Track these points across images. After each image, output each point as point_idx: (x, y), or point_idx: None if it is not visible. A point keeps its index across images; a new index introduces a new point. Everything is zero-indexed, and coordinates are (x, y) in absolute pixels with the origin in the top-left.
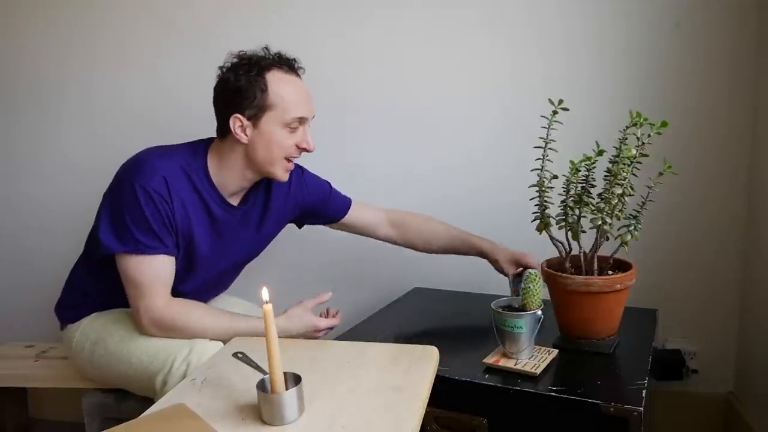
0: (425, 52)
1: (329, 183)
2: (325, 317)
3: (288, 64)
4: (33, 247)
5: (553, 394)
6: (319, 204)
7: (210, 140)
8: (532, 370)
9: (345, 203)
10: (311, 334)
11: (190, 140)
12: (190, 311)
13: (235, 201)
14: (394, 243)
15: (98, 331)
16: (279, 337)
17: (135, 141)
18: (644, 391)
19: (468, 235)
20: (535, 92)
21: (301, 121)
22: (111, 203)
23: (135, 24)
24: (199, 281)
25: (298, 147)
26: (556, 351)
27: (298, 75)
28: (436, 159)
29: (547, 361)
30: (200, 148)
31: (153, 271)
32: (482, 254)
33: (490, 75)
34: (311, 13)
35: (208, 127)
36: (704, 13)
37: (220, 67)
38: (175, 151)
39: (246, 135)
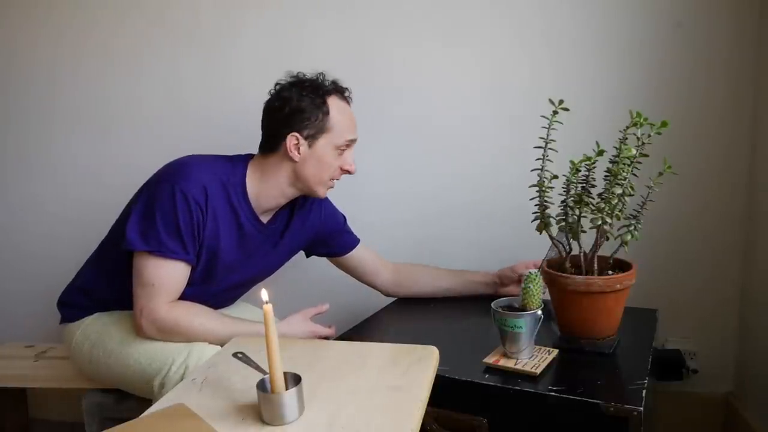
0: (425, 52)
1: (344, 216)
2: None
3: (343, 92)
4: (34, 248)
5: (553, 394)
6: (331, 235)
7: (248, 156)
8: (532, 370)
9: (353, 240)
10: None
11: (195, 144)
12: (193, 315)
13: (265, 219)
14: (387, 294)
15: (99, 332)
16: None
17: (141, 144)
18: (644, 391)
19: (469, 273)
20: (535, 92)
21: (350, 144)
22: (146, 201)
23: (145, 26)
24: (209, 294)
25: (341, 169)
26: (556, 351)
27: (348, 103)
28: (436, 158)
29: (547, 361)
30: (239, 162)
31: (168, 276)
32: (489, 284)
33: (490, 75)
34: (313, 16)
35: (212, 131)
36: (705, 13)
37: (277, 85)
38: (217, 163)
39: (299, 153)
